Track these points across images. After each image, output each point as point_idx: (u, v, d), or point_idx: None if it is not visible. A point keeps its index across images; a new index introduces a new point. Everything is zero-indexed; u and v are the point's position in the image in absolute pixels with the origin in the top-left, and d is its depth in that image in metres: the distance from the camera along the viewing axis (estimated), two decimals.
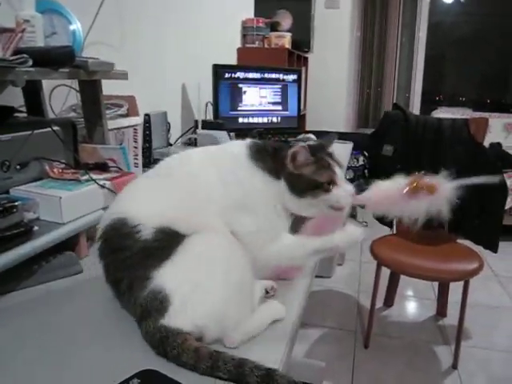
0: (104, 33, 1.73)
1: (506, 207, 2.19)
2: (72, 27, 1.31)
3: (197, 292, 0.69)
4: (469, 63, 5.09)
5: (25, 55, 0.79)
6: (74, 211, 0.99)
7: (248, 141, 0.87)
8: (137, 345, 0.67)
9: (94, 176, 1.10)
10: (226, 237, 0.77)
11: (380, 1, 4.46)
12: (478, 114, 3.94)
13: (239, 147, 0.85)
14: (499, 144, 3.67)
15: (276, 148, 0.84)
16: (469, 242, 2.31)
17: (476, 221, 2.22)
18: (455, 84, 5.31)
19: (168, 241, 0.72)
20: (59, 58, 0.89)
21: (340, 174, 0.83)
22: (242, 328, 0.70)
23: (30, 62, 0.80)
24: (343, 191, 0.82)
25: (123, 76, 1.16)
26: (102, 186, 1.08)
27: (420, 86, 4.86)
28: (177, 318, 0.67)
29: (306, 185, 0.80)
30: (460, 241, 2.37)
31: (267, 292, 0.84)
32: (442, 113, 4.23)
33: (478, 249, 2.26)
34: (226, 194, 0.78)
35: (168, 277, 0.69)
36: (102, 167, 1.20)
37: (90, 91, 1.18)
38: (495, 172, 2.21)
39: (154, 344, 0.66)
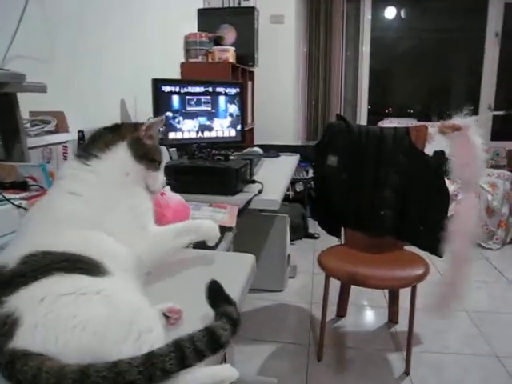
0: (31, 45, 1.65)
1: (449, 214, 2.22)
2: None
3: (56, 309, 0.61)
4: (414, 76, 5.25)
5: None
6: None
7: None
8: None
9: (9, 196, 1.03)
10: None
11: (324, 16, 4.54)
12: (421, 124, 4.04)
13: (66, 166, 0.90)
14: (442, 152, 3.76)
15: (114, 127, 0.95)
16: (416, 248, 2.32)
17: (420, 227, 2.24)
18: (402, 96, 5.48)
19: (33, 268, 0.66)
20: None
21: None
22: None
23: None
24: (162, 178, 0.96)
25: (40, 88, 1.09)
26: (18, 206, 1.02)
27: (366, 99, 4.97)
28: (25, 338, 0.58)
29: (147, 154, 0.90)
30: (407, 247, 2.39)
31: (167, 317, 0.72)
32: (388, 123, 4.32)
33: (427, 254, 2.25)
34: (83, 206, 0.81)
35: (21, 300, 0.61)
36: (20, 186, 1.13)
37: (5, 106, 1.10)
38: (436, 179, 2.25)
39: (5, 374, 0.56)
